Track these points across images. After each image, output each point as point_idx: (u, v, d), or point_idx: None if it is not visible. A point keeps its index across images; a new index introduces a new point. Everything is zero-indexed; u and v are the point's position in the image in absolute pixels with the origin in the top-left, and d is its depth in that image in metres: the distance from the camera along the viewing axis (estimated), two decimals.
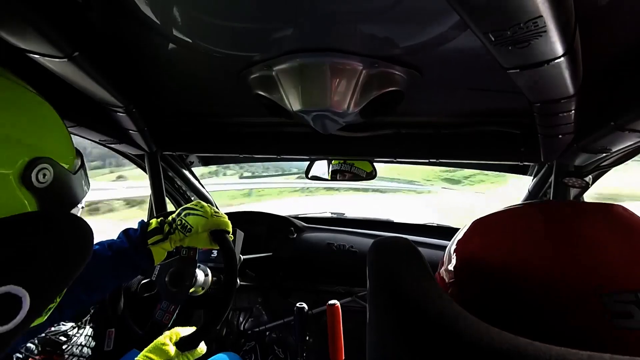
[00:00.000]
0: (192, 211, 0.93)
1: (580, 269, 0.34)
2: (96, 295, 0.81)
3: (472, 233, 0.49)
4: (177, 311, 1.01)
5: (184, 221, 0.91)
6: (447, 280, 0.47)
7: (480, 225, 0.49)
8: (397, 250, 0.40)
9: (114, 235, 0.90)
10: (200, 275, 1.14)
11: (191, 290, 1.09)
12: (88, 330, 1.13)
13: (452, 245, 0.51)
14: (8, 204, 0.44)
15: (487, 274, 0.40)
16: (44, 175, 0.47)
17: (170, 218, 0.93)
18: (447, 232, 1.76)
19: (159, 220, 0.92)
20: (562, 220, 0.40)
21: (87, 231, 0.51)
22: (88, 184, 0.59)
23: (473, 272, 0.43)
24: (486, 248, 0.43)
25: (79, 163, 0.57)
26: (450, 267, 0.47)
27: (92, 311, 1.12)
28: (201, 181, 1.77)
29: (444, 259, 0.51)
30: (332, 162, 1.48)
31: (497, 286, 0.38)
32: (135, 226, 0.92)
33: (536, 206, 0.47)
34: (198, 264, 1.17)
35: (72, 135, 0.57)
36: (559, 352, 0.23)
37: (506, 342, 0.24)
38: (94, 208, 6.94)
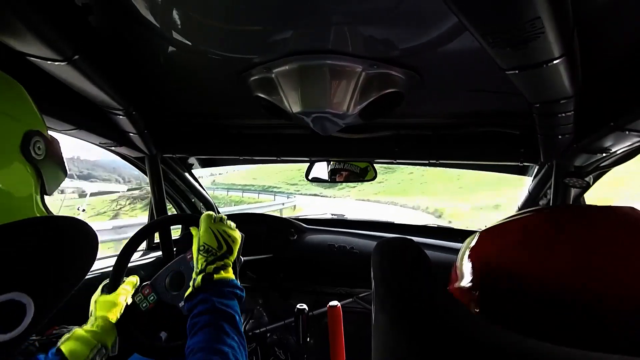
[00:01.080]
0: None
1: (602, 276, 0.33)
2: None
3: (486, 241, 0.47)
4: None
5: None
6: (464, 293, 0.45)
7: (496, 232, 0.47)
8: (404, 251, 0.40)
9: None
10: None
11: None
12: None
13: (464, 255, 0.49)
14: (15, 178, 0.45)
15: (508, 283, 0.39)
16: (39, 147, 0.49)
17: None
18: (447, 233, 1.76)
19: None
20: (577, 225, 0.39)
21: (91, 236, 0.50)
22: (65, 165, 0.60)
23: (493, 282, 0.41)
24: (505, 255, 0.42)
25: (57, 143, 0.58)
26: (467, 279, 0.45)
27: None
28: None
29: (457, 272, 0.49)
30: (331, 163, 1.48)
31: (518, 294, 0.37)
32: None
33: (549, 211, 0.46)
34: None
35: (73, 139, 0.58)
36: (567, 353, 0.23)
37: (513, 343, 0.25)
38: None
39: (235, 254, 0.85)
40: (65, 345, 0.77)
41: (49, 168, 0.51)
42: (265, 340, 1.45)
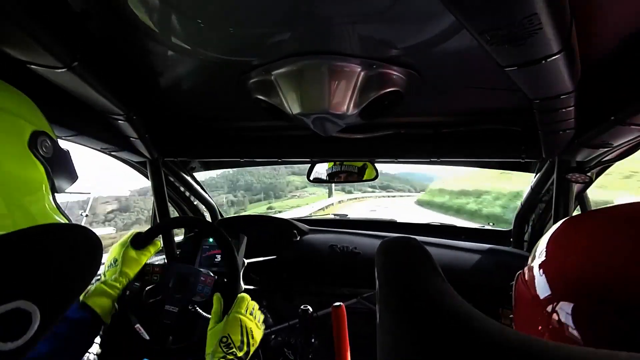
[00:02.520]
0: (109, 254, 0.95)
1: None
2: None
3: (568, 238, 0.43)
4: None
5: (107, 262, 0.93)
6: (543, 296, 0.41)
7: (578, 229, 0.43)
8: (408, 250, 0.39)
9: None
10: None
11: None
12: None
13: (540, 253, 0.45)
14: (27, 174, 0.47)
15: (600, 290, 0.35)
16: (46, 146, 0.52)
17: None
18: (450, 231, 1.75)
19: None
20: None
21: (96, 243, 0.51)
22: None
23: (579, 289, 0.37)
24: (594, 258, 0.38)
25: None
26: (545, 283, 0.41)
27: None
28: None
29: (531, 272, 0.45)
30: (327, 164, 1.49)
31: (614, 303, 0.34)
32: None
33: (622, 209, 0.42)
34: (201, 269, 1.18)
35: (74, 145, 0.61)
36: (573, 350, 0.23)
37: (522, 341, 0.24)
38: None
39: (248, 355, 0.80)
40: (92, 300, 0.82)
41: (58, 167, 0.53)
42: (268, 343, 1.45)
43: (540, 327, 0.40)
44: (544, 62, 0.52)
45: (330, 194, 16.29)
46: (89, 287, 0.85)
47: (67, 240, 0.47)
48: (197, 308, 1.06)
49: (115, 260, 0.92)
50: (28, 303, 0.39)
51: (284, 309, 1.59)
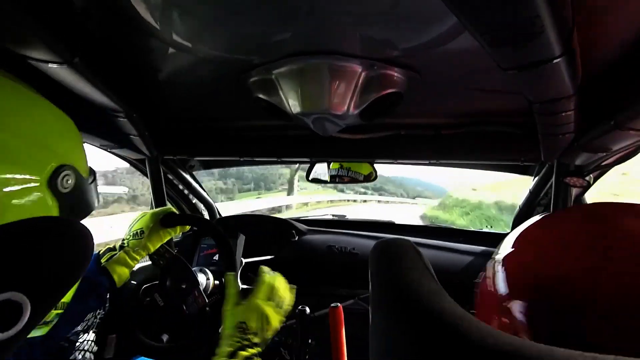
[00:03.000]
0: (135, 219, 0.96)
1: None
2: (62, 330, 0.76)
3: (521, 244, 0.44)
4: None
5: (132, 230, 0.93)
6: (501, 301, 0.41)
7: (530, 235, 0.44)
8: (400, 251, 0.39)
9: None
10: (202, 278, 1.14)
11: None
12: (91, 335, 1.12)
13: (498, 259, 0.45)
14: (35, 208, 0.46)
15: (549, 290, 0.36)
16: (67, 181, 0.51)
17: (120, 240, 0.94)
18: (447, 233, 1.76)
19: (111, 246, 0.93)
20: (619, 225, 0.36)
21: (87, 236, 0.51)
22: (98, 197, 0.62)
23: (532, 289, 0.38)
24: (543, 260, 0.39)
25: (93, 177, 0.61)
26: (503, 286, 0.42)
27: (97, 315, 1.12)
28: None
29: (490, 274, 0.45)
30: (331, 166, 1.49)
31: (563, 302, 0.34)
32: None
33: (588, 209, 0.43)
34: (200, 268, 1.17)
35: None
36: (563, 353, 0.23)
37: (510, 343, 0.24)
38: None
39: (265, 344, 0.77)
40: (112, 267, 0.85)
41: (73, 202, 0.53)
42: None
43: (494, 323, 0.41)
44: (545, 65, 0.52)
45: (290, 192, 15.27)
46: (114, 253, 0.87)
47: (58, 232, 0.48)
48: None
49: (142, 232, 0.93)
50: (19, 294, 0.40)
51: None
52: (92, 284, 0.81)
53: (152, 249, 0.95)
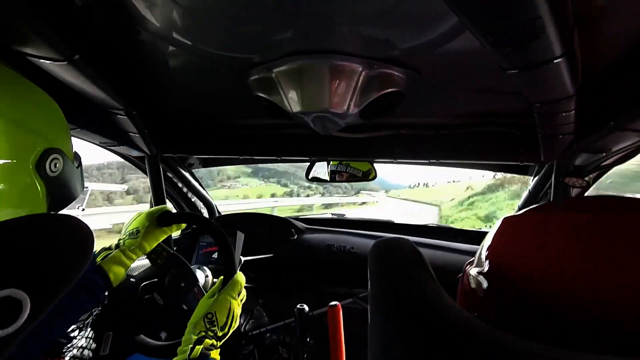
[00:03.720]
0: (131, 219, 0.96)
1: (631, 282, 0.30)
2: (57, 328, 0.75)
3: (502, 235, 0.43)
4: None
5: (127, 230, 0.93)
6: (476, 286, 0.41)
7: (511, 226, 0.43)
8: (399, 251, 0.39)
9: None
10: (200, 276, 1.14)
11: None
12: (89, 332, 1.13)
13: (482, 247, 0.45)
14: (24, 191, 0.46)
15: (521, 286, 0.35)
16: (56, 165, 0.51)
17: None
18: (447, 232, 1.76)
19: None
20: (606, 224, 0.35)
21: (87, 233, 0.51)
22: (83, 183, 0.62)
23: (505, 282, 0.38)
24: (520, 255, 0.38)
25: (79, 162, 0.61)
26: (479, 274, 0.42)
27: (94, 313, 1.12)
28: None
29: (475, 261, 0.46)
30: (331, 162, 1.49)
31: (534, 300, 0.34)
32: None
33: (574, 205, 0.42)
34: (199, 266, 1.17)
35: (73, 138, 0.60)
36: (562, 354, 0.23)
37: (511, 342, 0.24)
38: None
39: (225, 337, 0.82)
40: (108, 266, 0.83)
41: (61, 186, 0.53)
42: (264, 341, 1.45)
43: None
44: (545, 65, 0.52)
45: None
46: (109, 252, 0.86)
47: (59, 230, 0.48)
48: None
49: (138, 232, 0.92)
50: (19, 291, 0.40)
51: (280, 307, 1.59)
52: (86, 283, 0.79)
53: (149, 248, 0.94)
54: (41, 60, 0.64)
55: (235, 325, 0.84)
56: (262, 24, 0.64)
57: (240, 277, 0.89)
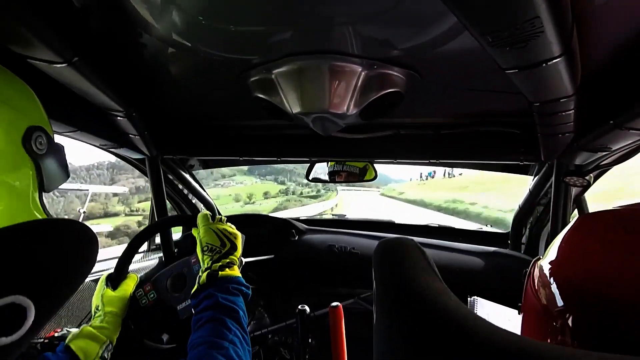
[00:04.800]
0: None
1: None
2: None
3: (565, 250, 0.41)
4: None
5: (92, 311, 0.90)
6: (547, 308, 0.39)
7: (573, 240, 0.41)
8: (404, 251, 0.39)
9: None
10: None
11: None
12: None
13: (544, 263, 0.43)
14: (15, 169, 0.45)
15: (596, 297, 0.34)
16: (41, 142, 0.50)
17: None
18: (448, 232, 1.76)
19: None
20: None
21: (92, 239, 0.51)
22: (67, 165, 0.60)
23: (578, 297, 0.36)
24: (589, 267, 0.36)
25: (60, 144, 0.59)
26: (548, 293, 0.39)
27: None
28: None
29: (535, 278, 0.43)
30: (329, 163, 1.49)
31: (610, 309, 0.32)
32: None
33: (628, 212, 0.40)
34: (192, 258, 1.17)
35: (73, 141, 0.59)
36: (567, 352, 0.23)
37: (515, 342, 0.24)
38: None
39: (240, 250, 0.86)
40: (75, 343, 0.78)
41: (49, 165, 0.52)
42: (266, 342, 1.45)
43: (548, 338, 0.39)
44: (544, 65, 0.52)
45: None
46: (76, 330, 0.81)
47: (63, 235, 0.47)
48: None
49: (98, 307, 0.89)
50: (23, 298, 0.39)
51: (282, 308, 1.59)
52: None
53: (119, 310, 0.88)
54: (41, 63, 0.64)
55: (238, 241, 0.86)
56: (262, 25, 0.64)
57: (201, 213, 0.90)
